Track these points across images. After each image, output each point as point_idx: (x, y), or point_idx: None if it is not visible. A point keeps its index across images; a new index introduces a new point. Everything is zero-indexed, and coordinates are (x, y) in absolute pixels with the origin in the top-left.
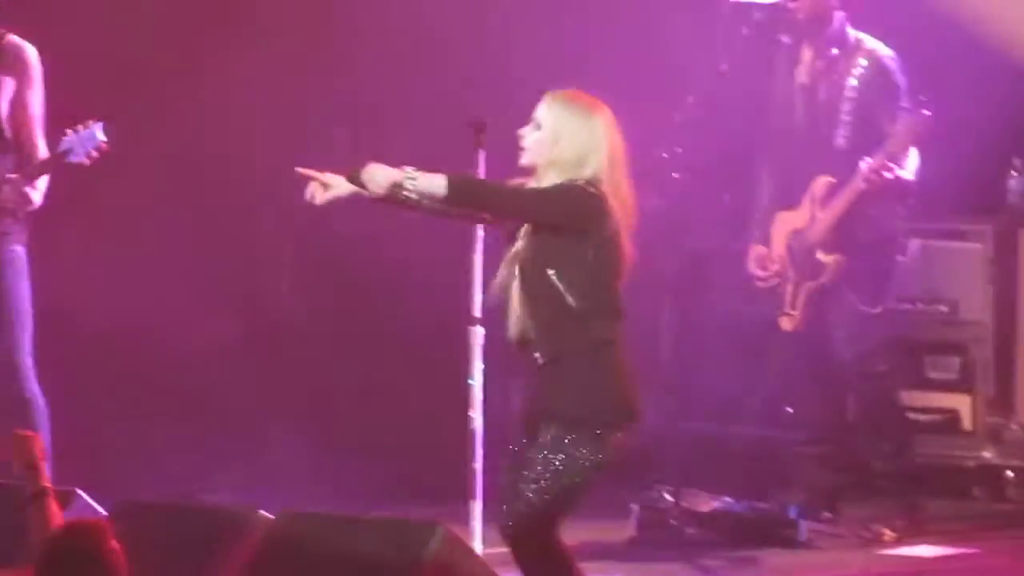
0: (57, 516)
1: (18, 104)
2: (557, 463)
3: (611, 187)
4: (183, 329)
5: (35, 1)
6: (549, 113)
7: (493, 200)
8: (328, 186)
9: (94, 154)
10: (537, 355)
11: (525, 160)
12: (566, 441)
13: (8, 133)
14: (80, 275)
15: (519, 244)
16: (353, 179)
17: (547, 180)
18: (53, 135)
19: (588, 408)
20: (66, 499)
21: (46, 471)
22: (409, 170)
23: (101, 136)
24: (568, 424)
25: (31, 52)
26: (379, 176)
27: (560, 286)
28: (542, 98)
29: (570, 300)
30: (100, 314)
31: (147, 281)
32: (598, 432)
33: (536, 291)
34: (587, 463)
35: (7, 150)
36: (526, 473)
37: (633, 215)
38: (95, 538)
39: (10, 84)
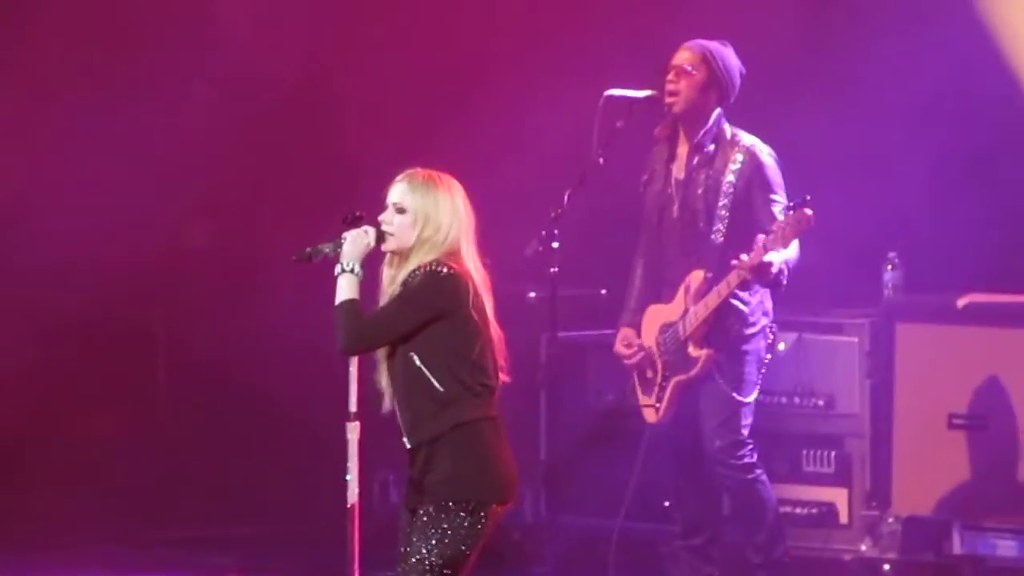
0: None
1: None
2: (435, 539)
3: (470, 258)
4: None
5: None
6: (412, 195)
7: (374, 339)
8: None
9: None
10: (405, 439)
11: (391, 246)
12: (442, 517)
13: None
14: None
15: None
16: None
17: (416, 260)
18: None
19: (460, 486)
20: None
21: None
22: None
23: None
24: (441, 502)
25: None
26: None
27: (425, 371)
28: (395, 180)
29: (436, 384)
30: None
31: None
32: (471, 507)
33: (403, 378)
34: (464, 534)
35: None
36: (410, 553)
37: (489, 284)
38: None
39: None
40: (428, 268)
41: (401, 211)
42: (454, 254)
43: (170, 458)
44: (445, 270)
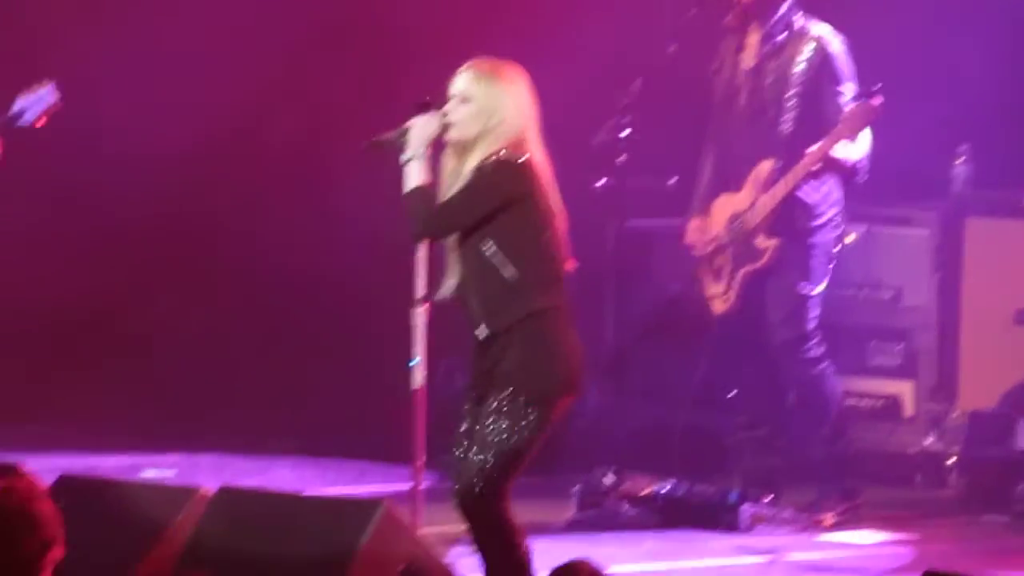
0: None
1: None
2: (501, 429)
3: (535, 148)
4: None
5: None
6: (476, 85)
7: (446, 225)
8: None
9: (47, 115)
10: (477, 330)
11: (454, 135)
12: (508, 408)
13: None
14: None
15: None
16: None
17: (479, 152)
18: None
19: (529, 376)
20: (5, 473)
21: None
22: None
23: (53, 96)
24: (510, 392)
25: None
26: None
27: (494, 259)
28: (459, 70)
29: (505, 273)
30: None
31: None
32: (539, 399)
33: (472, 265)
34: (530, 429)
35: None
36: (473, 442)
37: (552, 175)
38: (26, 500)
39: None
40: (499, 156)
41: (465, 100)
42: (519, 144)
43: (234, 344)
44: (517, 159)
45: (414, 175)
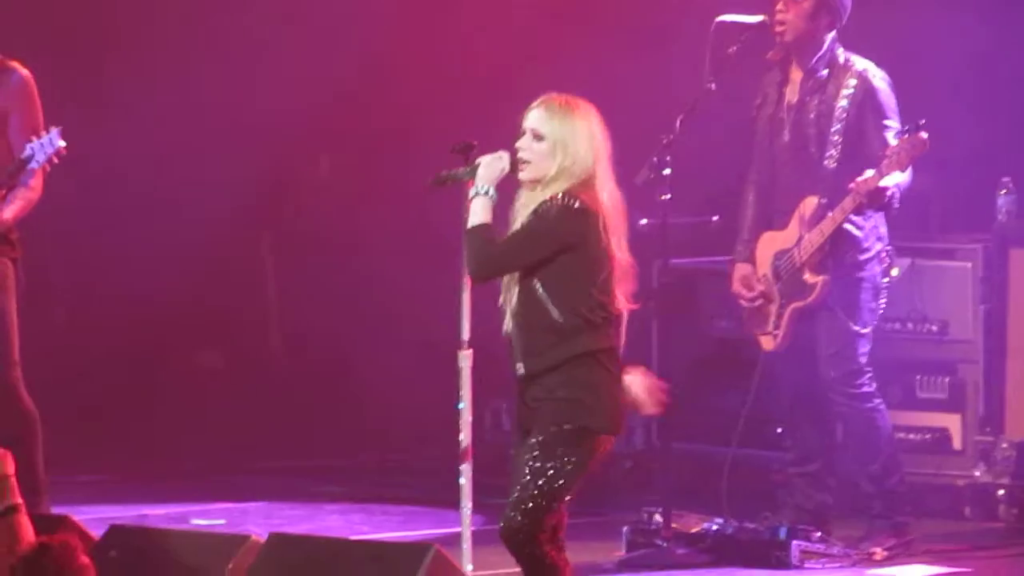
0: (27, 531)
1: (17, 127)
2: (542, 465)
3: (605, 185)
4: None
5: None
6: (550, 122)
7: (501, 266)
8: None
9: (55, 159)
10: (519, 365)
11: (528, 175)
12: (550, 445)
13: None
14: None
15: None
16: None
17: (552, 189)
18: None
19: (572, 413)
20: (58, 525)
21: (15, 487)
22: (482, 186)
23: (60, 142)
24: (552, 430)
25: (26, 74)
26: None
27: (547, 301)
28: (532, 105)
29: (555, 315)
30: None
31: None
32: (581, 437)
33: (524, 304)
34: (571, 466)
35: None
36: (516, 477)
37: (624, 214)
38: (64, 555)
39: (7, 107)
40: (560, 200)
41: (539, 138)
42: (588, 182)
43: (281, 388)
44: (576, 203)
45: (479, 212)
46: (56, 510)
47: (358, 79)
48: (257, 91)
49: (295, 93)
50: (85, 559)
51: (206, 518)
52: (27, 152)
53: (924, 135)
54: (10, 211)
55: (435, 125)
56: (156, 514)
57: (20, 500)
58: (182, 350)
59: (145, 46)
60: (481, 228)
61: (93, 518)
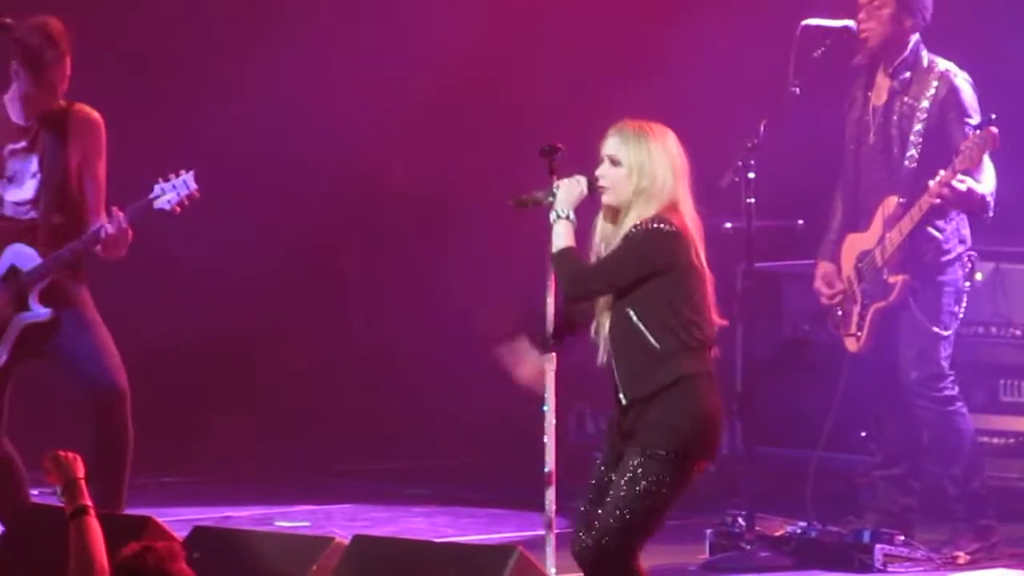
0: (97, 535)
1: (86, 169)
2: (637, 489)
3: (686, 208)
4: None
5: None
6: (625, 148)
7: (593, 287)
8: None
9: (186, 203)
10: (621, 395)
11: (609, 199)
12: (646, 469)
13: (75, 195)
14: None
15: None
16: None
17: (634, 215)
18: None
19: (668, 437)
20: (141, 526)
21: (84, 489)
22: (562, 210)
23: (193, 185)
24: (650, 453)
25: (97, 119)
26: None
27: (642, 327)
28: (608, 133)
29: (652, 340)
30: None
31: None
32: (678, 462)
33: (619, 332)
34: (665, 490)
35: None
36: (607, 499)
37: (703, 233)
38: (164, 560)
39: (79, 150)
40: (650, 224)
41: (616, 163)
42: (673, 204)
43: (364, 392)
44: (666, 227)
45: (562, 235)
46: (139, 512)
47: (440, 80)
48: (340, 89)
49: (379, 93)
50: (185, 567)
51: (290, 520)
52: (154, 192)
53: (994, 129)
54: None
55: (520, 127)
56: (240, 516)
57: (90, 503)
58: (267, 351)
59: (222, 42)
60: (568, 251)
61: (177, 520)
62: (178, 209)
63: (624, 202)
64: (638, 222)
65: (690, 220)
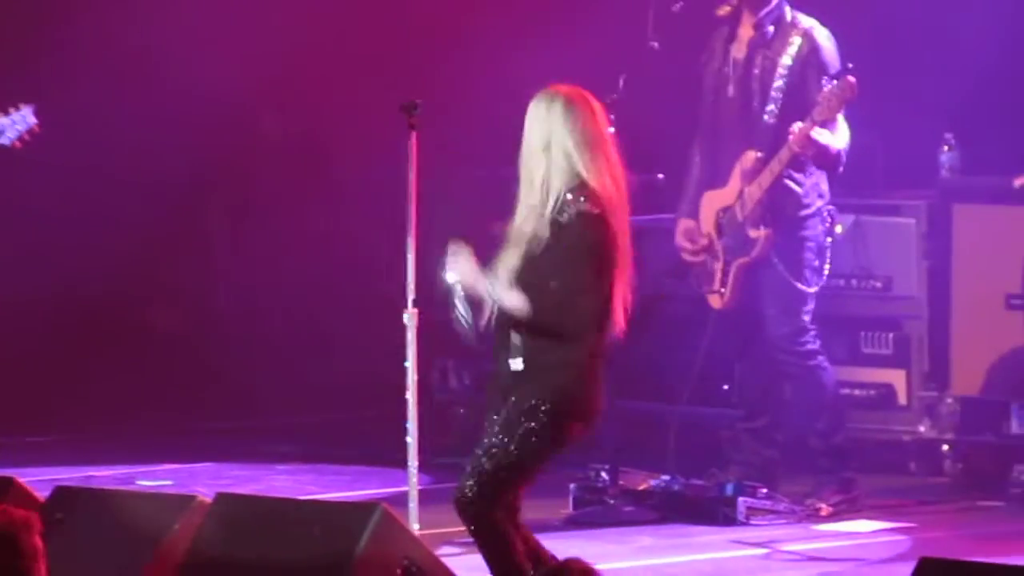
0: None
1: None
2: (508, 439)
3: (604, 177)
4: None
5: None
6: (528, 123)
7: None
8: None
9: (26, 137)
10: (512, 361)
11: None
12: (520, 420)
13: None
14: None
15: (510, 252)
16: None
17: (553, 193)
18: None
19: (547, 394)
20: (4, 487)
21: None
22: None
23: (32, 119)
24: (526, 406)
25: None
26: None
27: (550, 301)
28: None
29: (556, 316)
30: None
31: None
32: (553, 417)
33: (529, 302)
34: (536, 444)
35: None
36: (480, 449)
37: (626, 197)
38: (19, 529)
39: None
40: (575, 211)
41: (528, 143)
42: (585, 180)
43: (229, 350)
44: (591, 209)
45: (510, 299)
46: (1, 472)
47: (300, 36)
48: (201, 55)
49: (238, 54)
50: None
51: (153, 479)
52: None
53: (852, 79)
54: None
55: (380, 80)
56: (103, 475)
57: None
58: (130, 311)
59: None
60: (533, 313)
61: (39, 480)
62: (18, 144)
63: (538, 182)
64: (556, 203)
65: (609, 184)
